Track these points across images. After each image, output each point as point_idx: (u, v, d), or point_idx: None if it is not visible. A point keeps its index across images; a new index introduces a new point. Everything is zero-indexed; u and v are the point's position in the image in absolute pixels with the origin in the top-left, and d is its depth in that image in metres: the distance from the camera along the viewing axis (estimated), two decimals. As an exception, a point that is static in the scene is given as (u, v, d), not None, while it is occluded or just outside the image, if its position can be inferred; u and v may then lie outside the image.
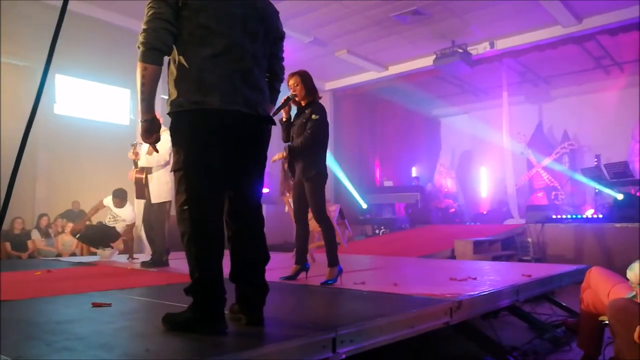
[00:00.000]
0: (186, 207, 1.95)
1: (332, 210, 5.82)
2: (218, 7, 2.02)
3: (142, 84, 1.95)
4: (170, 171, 2.10)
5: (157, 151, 2.28)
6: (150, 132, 2.01)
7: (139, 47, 1.97)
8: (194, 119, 1.98)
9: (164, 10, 1.97)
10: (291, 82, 3.62)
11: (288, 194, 5.16)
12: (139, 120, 1.99)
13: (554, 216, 8.77)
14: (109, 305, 2.56)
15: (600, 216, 8.72)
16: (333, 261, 3.53)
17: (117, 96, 10.89)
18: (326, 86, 11.68)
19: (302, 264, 3.72)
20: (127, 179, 5.69)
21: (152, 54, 1.95)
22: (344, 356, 1.95)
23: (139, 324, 2.21)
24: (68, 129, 9.88)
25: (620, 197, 8.41)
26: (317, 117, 3.52)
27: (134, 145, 5.36)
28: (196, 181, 1.96)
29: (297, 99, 3.63)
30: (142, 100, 1.97)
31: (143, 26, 1.99)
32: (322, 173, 3.55)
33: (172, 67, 2.08)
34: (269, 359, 1.70)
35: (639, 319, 1.77)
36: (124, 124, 10.76)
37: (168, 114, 2.05)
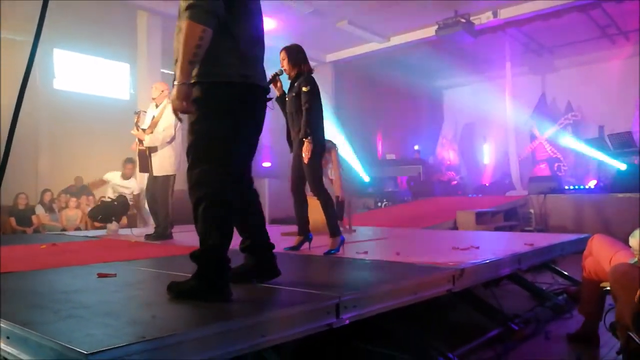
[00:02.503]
0: (213, 172, 1.98)
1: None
2: None
3: (198, 46, 1.87)
4: (191, 137, 2.02)
5: (180, 120, 2.13)
6: (188, 97, 1.93)
7: (190, 7, 1.86)
8: (239, 92, 2.02)
9: None
10: (281, 56, 3.65)
11: None
12: (175, 84, 1.89)
13: (556, 187, 8.77)
14: (114, 275, 2.58)
15: (602, 186, 8.72)
16: (334, 231, 3.55)
17: (116, 71, 10.82)
18: (327, 58, 11.55)
19: (305, 234, 3.74)
20: (129, 152, 5.72)
21: (210, 18, 1.88)
22: (347, 321, 1.97)
23: (145, 293, 2.23)
24: (68, 104, 9.85)
25: (623, 167, 8.39)
26: (307, 88, 3.49)
27: (137, 114, 5.34)
28: (230, 150, 2.01)
29: (285, 72, 3.62)
30: (191, 62, 1.89)
31: None
32: (318, 142, 3.53)
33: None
34: (274, 325, 1.72)
35: (641, 283, 1.79)
36: (124, 98, 10.72)
37: (199, 82, 1.98)
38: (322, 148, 3.62)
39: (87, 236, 5.67)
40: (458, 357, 2.37)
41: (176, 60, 1.94)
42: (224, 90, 2.00)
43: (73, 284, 2.45)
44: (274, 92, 3.48)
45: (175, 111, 1.95)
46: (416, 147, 12.94)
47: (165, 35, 8.56)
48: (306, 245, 3.75)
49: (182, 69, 1.87)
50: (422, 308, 2.60)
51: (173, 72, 2.01)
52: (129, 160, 6.66)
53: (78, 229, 8.32)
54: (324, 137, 3.64)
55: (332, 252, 3.47)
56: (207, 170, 1.98)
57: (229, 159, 2.02)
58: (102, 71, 10.63)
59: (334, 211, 3.66)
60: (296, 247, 3.70)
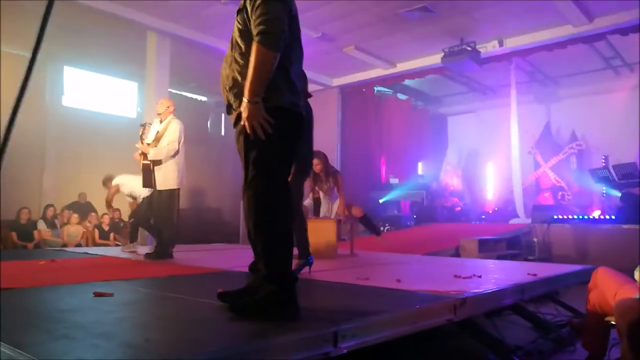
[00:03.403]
0: (268, 194, 2.09)
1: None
2: (297, 17, 2.24)
3: (269, 70, 2.04)
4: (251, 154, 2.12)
5: (260, 135, 2.14)
6: (262, 114, 2.05)
7: (264, 33, 2.02)
8: (288, 117, 2.14)
9: (283, 6, 2.10)
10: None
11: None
12: (247, 101, 2.03)
13: (560, 216, 8.71)
14: (111, 295, 2.56)
15: (607, 217, 8.66)
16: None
17: (124, 89, 10.95)
18: (334, 82, 11.64)
19: (305, 257, 3.70)
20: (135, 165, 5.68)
21: (280, 45, 2.06)
22: (345, 351, 1.93)
23: (140, 315, 2.20)
24: (76, 121, 9.95)
25: (619, 194, 8.38)
26: None
27: (143, 126, 5.35)
28: (278, 170, 2.14)
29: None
30: (262, 84, 2.04)
31: (268, 14, 2.04)
32: None
33: (243, 61, 2.15)
34: (269, 353, 1.69)
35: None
36: (131, 116, 10.81)
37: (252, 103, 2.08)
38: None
39: (87, 253, 5.64)
40: (458, 389, 2.31)
41: (230, 87, 2.19)
42: (277, 115, 2.10)
43: (69, 302, 2.42)
44: None
45: (252, 128, 2.04)
46: (420, 173, 12.95)
47: (173, 55, 8.68)
48: (306, 269, 3.71)
49: (256, 90, 2.03)
50: (423, 337, 2.55)
51: (226, 99, 2.25)
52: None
53: (79, 245, 8.30)
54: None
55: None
56: (265, 191, 2.10)
57: (279, 180, 2.15)
58: (111, 89, 10.77)
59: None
60: (295, 271, 3.66)
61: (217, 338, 1.75)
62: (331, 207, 5.80)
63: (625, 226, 7.35)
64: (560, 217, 8.70)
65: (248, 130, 2.05)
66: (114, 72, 10.55)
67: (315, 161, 5.70)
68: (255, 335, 1.76)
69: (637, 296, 2.31)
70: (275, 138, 2.09)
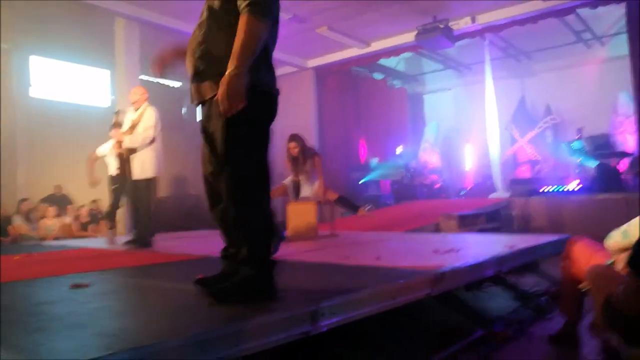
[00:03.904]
0: (255, 174, 2.08)
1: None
2: None
3: (259, 42, 1.96)
4: (226, 140, 2.02)
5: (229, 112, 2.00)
6: (242, 85, 1.90)
7: (255, 3, 1.94)
8: (272, 102, 2.12)
9: None
10: None
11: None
12: (234, 70, 1.88)
13: (537, 189, 8.86)
14: (88, 285, 2.52)
15: (581, 187, 8.84)
16: None
17: (96, 77, 10.68)
18: (308, 64, 11.54)
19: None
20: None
21: (269, 15, 1.98)
22: (325, 328, 1.94)
23: (117, 304, 2.18)
24: (46, 112, 9.69)
25: (594, 165, 8.57)
26: None
27: (117, 113, 5.25)
28: (264, 158, 2.11)
29: None
30: (251, 55, 1.94)
31: None
32: None
33: (225, 39, 2.02)
34: (248, 334, 1.68)
35: (617, 284, 1.79)
36: (104, 105, 10.57)
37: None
38: None
39: (65, 246, 5.55)
40: (440, 361, 2.35)
41: (200, 57, 2.06)
42: (260, 99, 2.04)
43: (45, 295, 2.38)
44: None
45: (230, 98, 1.89)
46: (399, 151, 13.00)
47: (142, 41, 8.48)
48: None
49: (242, 59, 1.90)
50: (404, 312, 2.58)
51: (194, 68, 2.11)
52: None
53: (57, 238, 8.16)
54: None
55: None
56: (255, 176, 2.08)
57: (265, 166, 2.12)
58: (82, 78, 10.48)
59: None
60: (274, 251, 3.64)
61: (194, 323, 1.73)
62: (312, 188, 5.81)
63: (599, 196, 7.51)
64: (538, 190, 8.84)
65: (222, 99, 1.90)
66: (84, 60, 10.27)
67: (292, 144, 5.70)
68: (233, 319, 1.75)
69: (608, 262, 2.36)
70: (256, 122, 2.06)
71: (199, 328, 1.63)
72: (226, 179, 2.06)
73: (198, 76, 2.12)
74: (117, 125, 5.15)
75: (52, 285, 2.65)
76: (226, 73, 1.91)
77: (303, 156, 5.67)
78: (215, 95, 1.99)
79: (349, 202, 6.77)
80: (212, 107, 2.05)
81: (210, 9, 2.13)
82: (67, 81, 10.23)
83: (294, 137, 5.74)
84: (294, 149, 5.67)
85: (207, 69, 2.09)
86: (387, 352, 2.35)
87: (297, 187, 5.82)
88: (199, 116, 2.25)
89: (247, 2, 1.95)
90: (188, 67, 2.19)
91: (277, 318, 1.80)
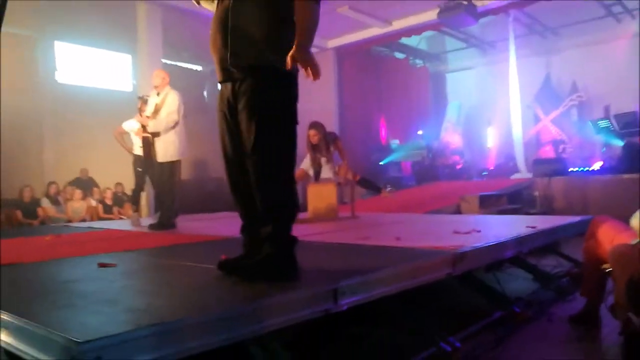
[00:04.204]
0: (287, 157, 2.16)
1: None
2: None
3: (317, 24, 2.13)
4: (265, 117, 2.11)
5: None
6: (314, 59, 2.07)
7: None
8: (296, 81, 2.18)
9: None
10: None
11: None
12: (307, 47, 2.07)
13: (561, 169, 8.70)
14: (115, 265, 2.60)
15: (604, 167, 8.65)
16: None
17: (118, 62, 10.81)
18: (329, 44, 11.45)
19: None
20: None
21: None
22: (345, 307, 1.97)
23: (143, 282, 2.25)
24: (71, 97, 9.86)
25: (621, 144, 8.35)
26: None
27: (141, 98, 5.32)
28: (293, 136, 2.17)
29: None
30: (314, 35, 2.13)
31: None
32: None
33: (265, 19, 2.11)
34: (271, 311, 1.73)
35: (640, 263, 1.78)
36: (127, 90, 10.71)
37: (261, 66, 2.10)
38: None
39: (92, 227, 5.71)
40: (459, 340, 2.36)
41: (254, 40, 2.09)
42: (289, 78, 2.15)
43: (73, 274, 2.46)
44: None
45: (316, 67, 2.05)
46: (420, 132, 12.88)
47: (165, 24, 8.52)
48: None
49: (311, 40, 2.11)
50: (424, 292, 2.60)
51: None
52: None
53: (83, 220, 8.37)
54: None
55: None
56: (284, 156, 2.16)
57: (293, 143, 2.18)
58: (104, 63, 10.62)
59: None
60: None
61: (219, 301, 1.79)
62: (333, 170, 5.80)
63: (625, 176, 7.34)
64: (561, 169, 8.68)
65: (314, 71, 2.04)
66: (106, 45, 10.38)
67: (312, 132, 5.60)
68: (256, 296, 1.80)
69: (633, 242, 2.33)
70: (293, 101, 2.17)
71: (223, 305, 1.68)
72: (258, 156, 2.10)
73: (234, 56, 2.11)
74: (142, 109, 5.22)
75: (80, 265, 2.74)
76: (295, 50, 2.03)
77: (325, 143, 5.63)
78: (251, 76, 2.09)
79: (371, 183, 6.75)
80: (244, 87, 2.11)
81: None
82: (91, 66, 10.38)
83: (315, 125, 5.64)
84: (314, 136, 5.59)
85: (242, 50, 2.10)
86: (406, 331, 2.38)
87: (317, 172, 5.81)
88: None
89: None
90: (215, 45, 2.19)
91: (299, 296, 1.83)
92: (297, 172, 5.90)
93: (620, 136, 8.90)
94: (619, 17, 10.82)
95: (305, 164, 5.84)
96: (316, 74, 2.06)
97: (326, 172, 5.79)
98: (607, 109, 10.09)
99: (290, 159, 2.18)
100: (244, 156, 2.15)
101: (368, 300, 2.09)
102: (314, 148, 5.68)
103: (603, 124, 9.50)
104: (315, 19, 2.11)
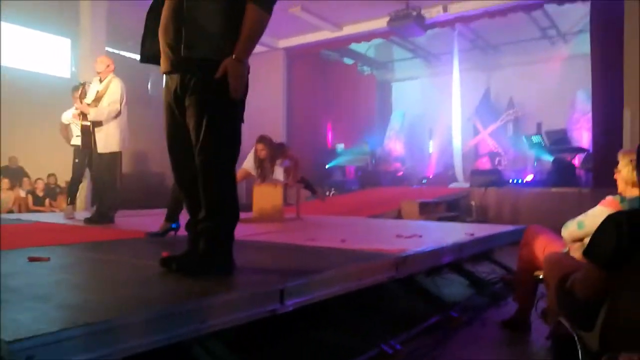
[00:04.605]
0: (232, 153, 2.13)
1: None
2: None
3: (262, 32, 2.10)
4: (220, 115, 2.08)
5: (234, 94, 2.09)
6: (244, 74, 2.05)
7: None
8: (247, 76, 2.12)
9: None
10: None
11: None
12: (242, 60, 2.02)
13: (496, 180, 9.11)
14: (47, 259, 2.45)
15: (538, 180, 9.15)
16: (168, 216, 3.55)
17: (56, 46, 10.22)
18: (280, 44, 11.42)
19: (172, 221, 3.55)
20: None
21: (272, 7, 2.09)
22: (291, 308, 1.96)
23: (79, 277, 2.13)
24: (4, 80, 9.23)
25: (551, 159, 8.89)
26: None
27: (82, 85, 5.06)
28: (238, 132, 2.16)
29: None
30: (254, 44, 2.09)
31: None
32: None
33: (223, 13, 2.05)
34: (214, 310, 1.68)
35: (572, 271, 1.88)
36: (65, 76, 10.17)
37: (215, 60, 2.03)
38: None
39: (20, 219, 5.37)
40: (400, 343, 2.41)
41: (205, 37, 2.03)
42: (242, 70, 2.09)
43: (2, 268, 2.30)
44: None
45: (240, 87, 2.03)
46: (364, 138, 13.11)
47: (110, 10, 8.18)
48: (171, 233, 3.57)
49: (248, 49, 2.05)
50: (367, 294, 2.63)
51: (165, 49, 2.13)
52: (76, 88, 5.47)
53: (11, 211, 7.87)
54: None
55: (153, 234, 3.45)
56: (229, 153, 2.13)
57: (238, 139, 2.17)
58: (41, 46, 10.01)
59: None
60: (161, 234, 3.51)
61: (160, 298, 1.72)
62: (280, 172, 5.70)
63: (554, 189, 7.80)
64: (496, 181, 9.10)
65: (234, 89, 2.01)
66: (43, 27, 9.80)
67: (259, 146, 5.39)
68: (200, 294, 1.75)
69: (564, 251, 2.47)
70: (242, 99, 2.13)
71: (164, 303, 1.63)
72: (204, 152, 2.06)
73: (186, 47, 2.04)
74: (82, 96, 4.97)
75: (9, 258, 2.56)
76: (233, 61, 2.00)
77: (271, 158, 5.46)
78: (203, 70, 2.03)
79: (310, 185, 6.72)
80: (194, 80, 2.06)
81: None
82: (26, 48, 9.76)
83: (263, 139, 5.44)
84: (262, 150, 5.41)
85: (197, 42, 2.04)
86: (350, 332, 2.40)
87: (262, 175, 5.63)
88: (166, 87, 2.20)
89: None
90: (166, 35, 2.12)
91: (244, 295, 1.80)
92: (239, 172, 5.78)
93: (551, 152, 9.45)
94: (553, 39, 11.53)
95: (248, 164, 5.71)
96: (234, 92, 2.03)
97: (277, 174, 5.68)
98: (539, 126, 10.68)
99: (234, 157, 2.16)
100: (190, 150, 2.11)
101: (314, 301, 2.09)
102: (260, 164, 5.50)
103: (535, 139, 10.05)
104: (258, 28, 2.06)
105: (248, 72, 2.13)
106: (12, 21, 9.45)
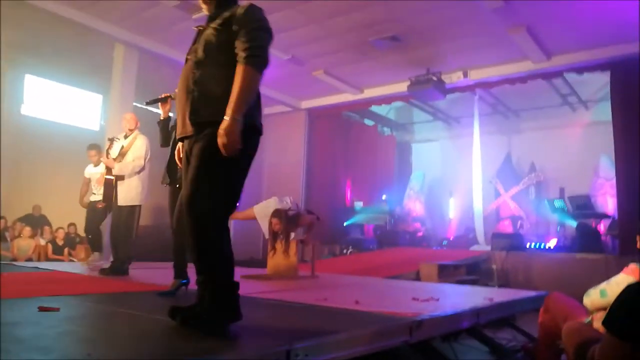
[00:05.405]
0: (223, 213, 2.11)
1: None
2: None
3: (255, 91, 2.13)
4: (210, 171, 2.08)
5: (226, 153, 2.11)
6: (238, 132, 2.03)
7: (254, 56, 2.09)
8: (256, 136, 2.20)
9: (269, 38, 2.19)
10: None
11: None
12: (232, 119, 2.01)
13: (518, 244, 8.91)
14: (57, 309, 2.44)
15: (558, 245, 8.92)
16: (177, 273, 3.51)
17: (88, 101, 10.70)
18: (302, 105, 11.72)
19: (181, 277, 3.54)
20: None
21: (265, 68, 2.13)
22: (298, 370, 1.89)
23: (85, 330, 2.11)
24: (35, 131, 9.62)
25: (574, 224, 8.68)
26: None
27: (111, 140, 5.24)
28: (234, 195, 2.15)
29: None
30: (247, 103, 2.08)
31: (257, 41, 2.11)
32: None
33: (226, 79, 2.11)
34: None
35: (589, 341, 1.79)
36: (94, 129, 10.55)
37: (218, 121, 2.05)
38: None
39: (37, 267, 5.41)
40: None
41: (204, 99, 2.12)
42: (249, 134, 2.12)
43: (10, 316, 2.29)
44: None
45: (230, 145, 2.00)
46: (384, 197, 13.06)
47: (140, 68, 8.57)
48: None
49: (241, 108, 2.04)
50: (380, 358, 2.53)
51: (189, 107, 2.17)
52: (92, 147, 6.08)
53: (30, 259, 7.95)
54: None
55: (164, 293, 3.36)
56: (219, 208, 2.09)
57: (233, 202, 2.17)
58: (74, 100, 10.49)
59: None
60: (172, 292, 3.45)
61: (165, 354, 1.68)
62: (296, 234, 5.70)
63: (578, 255, 7.57)
64: (518, 245, 8.90)
65: (224, 147, 2.00)
66: (78, 83, 10.30)
67: (274, 220, 5.43)
68: (204, 353, 1.70)
69: (585, 320, 2.37)
70: (245, 156, 2.13)
71: (169, 358, 1.58)
72: (189, 204, 2.07)
73: (194, 113, 2.15)
74: (108, 151, 5.15)
75: (20, 307, 2.56)
76: (225, 120, 2.01)
77: (285, 234, 5.48)
78: (207, 132, 2.09)
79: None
80: (200, 142, 2.12)
81: (208, 47, 2.18)
82: (60, 102, 10.23)
83: (277, 214, 5.48)
84: (276, 225, 5.45)
85: (202, 107, 2.14)
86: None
87: (274, 238, 5.62)
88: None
89: (246, 53, 2.07)
90: (180, 103, 2.26)
91: (250, 355, 1.75)
92: (247, 211, 5.78)
93: (574, 217, 9.25)
94: (574, 106, 11.58)
95: (260, 213, 5.68)
96: (222, 147, 2.01)
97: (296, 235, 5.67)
98: (562, 191, 10.53)
99: (228, 209, 2.14)
100: None
101: (322, 364, 2.01)
102: (274, 236, 5.52)
103: (558, 204, 9.88)
104: (248, 86, 2.06)
105: (260, 132, 2.20)
106: (50, 77, 9.97)
